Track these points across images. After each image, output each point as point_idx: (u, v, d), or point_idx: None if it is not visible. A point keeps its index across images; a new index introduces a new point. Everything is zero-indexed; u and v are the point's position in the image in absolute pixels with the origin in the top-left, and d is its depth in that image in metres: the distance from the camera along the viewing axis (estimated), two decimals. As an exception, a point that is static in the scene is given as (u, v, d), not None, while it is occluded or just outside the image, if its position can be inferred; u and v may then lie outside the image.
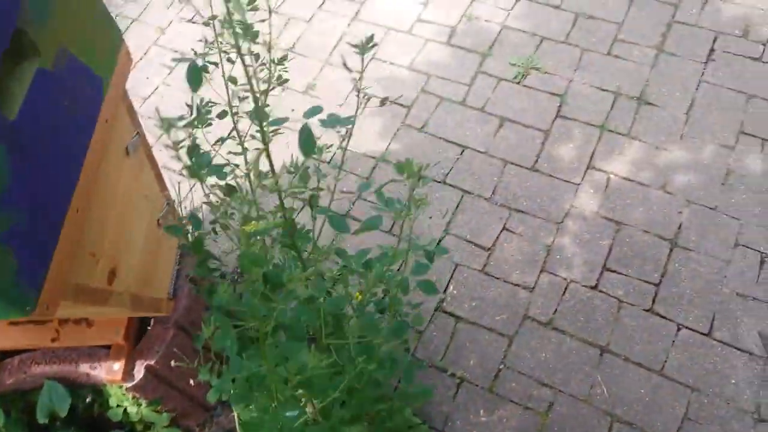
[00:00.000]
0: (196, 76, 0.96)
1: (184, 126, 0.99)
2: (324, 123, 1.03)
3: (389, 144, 2.78)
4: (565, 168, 2.63)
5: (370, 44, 0.91)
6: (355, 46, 0.92)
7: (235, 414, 1.74)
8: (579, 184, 2.58)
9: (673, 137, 2.65)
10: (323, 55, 3.08)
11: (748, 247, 2.38)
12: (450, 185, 2.64)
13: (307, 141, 0.99)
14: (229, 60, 0.99)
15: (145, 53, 3.22)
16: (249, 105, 1.03)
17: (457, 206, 2.59)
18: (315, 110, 1.05)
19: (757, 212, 2.44)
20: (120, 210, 1.59)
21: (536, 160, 2.66)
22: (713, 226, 2.43)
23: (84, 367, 1.83)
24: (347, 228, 1.02)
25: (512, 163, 2.66)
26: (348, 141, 1.06)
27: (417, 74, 2.96)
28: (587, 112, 2.75)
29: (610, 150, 2.65)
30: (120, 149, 1.61)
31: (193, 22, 3.28)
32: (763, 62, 2.79)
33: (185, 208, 1.32)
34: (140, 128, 1.72)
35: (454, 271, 2.45)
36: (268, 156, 1.00)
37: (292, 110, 2.92)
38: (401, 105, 2.88)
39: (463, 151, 2.72)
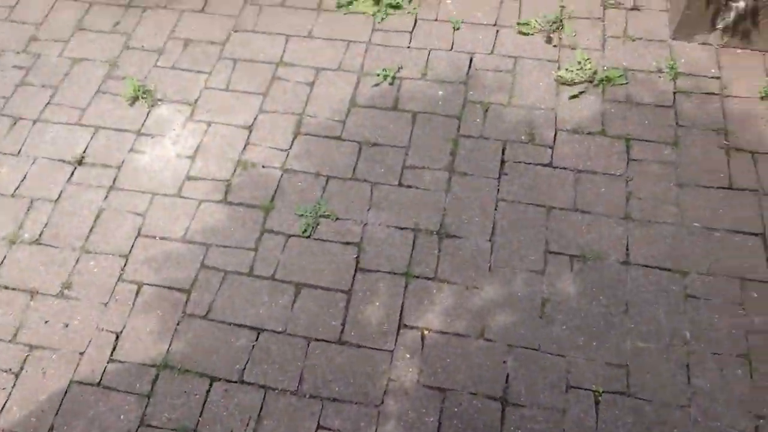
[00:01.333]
0: None
1: None
2: None
3: (170, 344, 2.33)
4: (374, 333, 2.32)
5: None
6: None
7: None
8: (393, 350, 2.28)
9: (481, 271, 2.43)
10: (78, 242, 2.57)
11: (580, 388, 2.18)
12: (248, 383, 2.24)
13: None
14: None
15: None
16: None
17: (261, 409, 2.18)
18: None
19: (580, 343, 2.27)
20: None
21: (342, 330, 2.33)
22: (540, 370, 2.22)
23: None
24: None
25: (317, 339, 2.31)
26: None
27: (193, 246, 2.54)
28: (388, 259, 2.47)
29: (420, 300, 2.38)
30: None
31: None
32: (553, 167, 2.68)
33: None
34: None
35: (267, 498, 2.04)
36: None
37: (46, 322, 2.39)
38: (179, 290, 2.44)
39: (258, 335, 2.33)
